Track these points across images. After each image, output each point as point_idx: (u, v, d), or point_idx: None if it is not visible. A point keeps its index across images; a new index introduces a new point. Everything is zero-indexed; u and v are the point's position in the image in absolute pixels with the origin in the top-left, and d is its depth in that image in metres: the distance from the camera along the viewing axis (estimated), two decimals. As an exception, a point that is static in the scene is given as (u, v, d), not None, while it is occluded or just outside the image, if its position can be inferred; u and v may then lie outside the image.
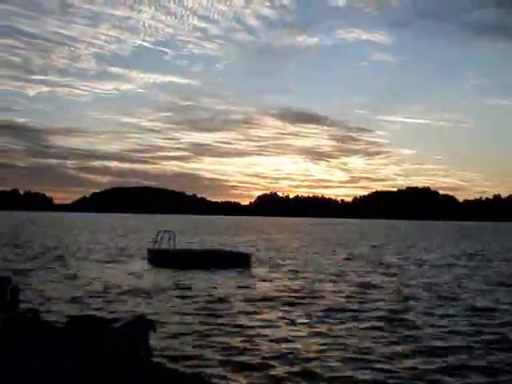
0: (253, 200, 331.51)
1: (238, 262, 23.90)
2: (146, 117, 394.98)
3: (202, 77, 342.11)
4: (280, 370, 8.18)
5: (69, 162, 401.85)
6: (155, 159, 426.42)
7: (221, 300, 14.38)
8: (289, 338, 10.25)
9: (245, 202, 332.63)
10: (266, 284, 18.05)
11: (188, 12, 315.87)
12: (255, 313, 12.78)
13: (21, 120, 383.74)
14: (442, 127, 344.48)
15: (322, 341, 10.01)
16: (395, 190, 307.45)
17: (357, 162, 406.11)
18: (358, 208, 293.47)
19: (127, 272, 20.15)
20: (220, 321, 11.68)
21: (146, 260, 25.03)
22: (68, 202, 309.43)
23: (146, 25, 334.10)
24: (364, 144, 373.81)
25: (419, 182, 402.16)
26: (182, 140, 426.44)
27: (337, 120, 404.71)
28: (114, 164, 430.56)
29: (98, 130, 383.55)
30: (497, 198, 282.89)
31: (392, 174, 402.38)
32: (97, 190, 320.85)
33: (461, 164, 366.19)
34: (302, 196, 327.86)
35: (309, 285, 17.76)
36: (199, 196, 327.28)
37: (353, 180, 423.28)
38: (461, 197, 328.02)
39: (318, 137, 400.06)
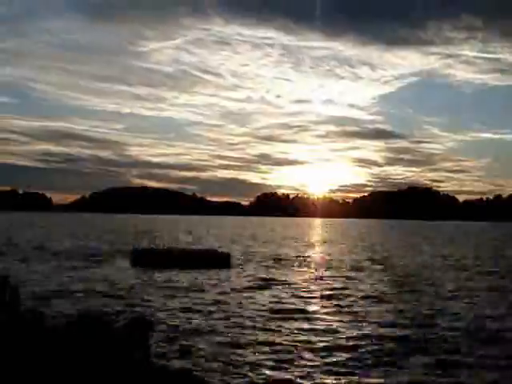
0: (252, 200, 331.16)
1: (219, 261, 24.48)
2: (228, 132, 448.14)
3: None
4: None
5: (134, 169, 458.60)
6: (215, 168, 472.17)
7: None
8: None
9: (245, 202, 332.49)
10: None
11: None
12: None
13: (110, 134, 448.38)
14: (492, 142, 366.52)
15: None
16: (395, 190, 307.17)
17: (398, 170, 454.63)
18: (359, 208, 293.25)
19: (111, 271, 19.93)
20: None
21: (129, 260, 25.06)
22: (67, 202, 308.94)
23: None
24: (412, 154, 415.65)
25: (449, 186, 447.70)
26: (247, 150, 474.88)
27: (401, 134, 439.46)
28: (175, 172, 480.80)
29: (178, 144, 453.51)
30: (497, 197, 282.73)
31: (424, 179, 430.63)
32: (96, 191, 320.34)
33: (499, 172, 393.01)
34: (302, 196, 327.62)
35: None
36: (199, 196, 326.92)
37: (385, 185, 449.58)
38: (461, 197, 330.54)
39: (375, 149, 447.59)
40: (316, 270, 23.95)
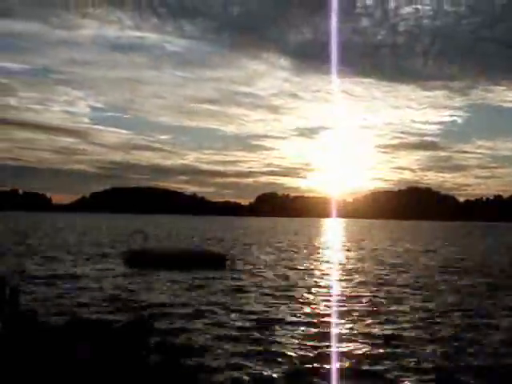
0: (252, 200, 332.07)
1: (214, 262, 23.51)
2: (286, 143, 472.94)
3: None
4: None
5: (180, 176, 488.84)
6: (259, 174, 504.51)
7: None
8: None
9: (245, 202, 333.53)
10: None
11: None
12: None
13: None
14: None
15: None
16: (396, 190, 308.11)
17: (429, 175, 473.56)
18: (358, 208, 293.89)
19: (104, 273, 19.55)
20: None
21: (121, 260, 24.39)
22: (67, 202, 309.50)
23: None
24: (450, 162, 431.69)
25: (476, 189, 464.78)
26: (295, 160, 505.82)
27: (444, 146, 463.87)
28: (217, 179, 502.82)
29: (233, 153, 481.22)
30: (498, 197, 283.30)
31: (452, 183, 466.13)
32: (96, 190, 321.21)
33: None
34: (302, 196, 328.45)
35: None
36: (199, 196, 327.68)
37: (407, 188, 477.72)
38: (462, 197, 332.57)
39: (415, 158, 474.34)
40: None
